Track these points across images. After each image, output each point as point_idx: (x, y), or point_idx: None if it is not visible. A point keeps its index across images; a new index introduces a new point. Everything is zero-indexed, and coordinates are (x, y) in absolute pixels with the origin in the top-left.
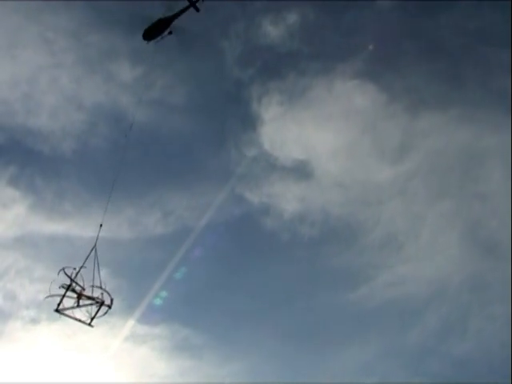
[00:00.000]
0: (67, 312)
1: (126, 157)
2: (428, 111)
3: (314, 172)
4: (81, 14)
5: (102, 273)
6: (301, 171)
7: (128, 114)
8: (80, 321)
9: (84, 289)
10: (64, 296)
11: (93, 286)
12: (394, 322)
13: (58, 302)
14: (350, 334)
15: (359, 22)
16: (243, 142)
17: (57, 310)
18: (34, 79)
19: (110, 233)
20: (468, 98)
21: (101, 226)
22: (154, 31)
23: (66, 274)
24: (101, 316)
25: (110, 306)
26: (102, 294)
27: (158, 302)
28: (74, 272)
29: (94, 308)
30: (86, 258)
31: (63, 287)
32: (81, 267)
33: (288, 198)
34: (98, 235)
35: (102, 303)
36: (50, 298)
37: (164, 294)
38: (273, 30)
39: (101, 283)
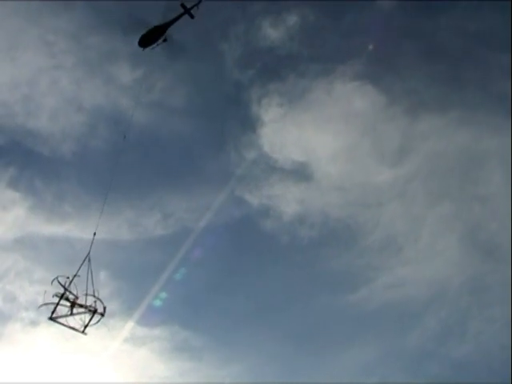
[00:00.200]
0: (61, 320)
1: (126, 159)
2: (428, 113)
3: (314, 174)
4: (81, 17)
5: (101, 275)
6: (300, 173)
7: (128, 116)
8: (73, 329)
9: (77, 297)
10: (58, 304)
11: (86, 295)
12: (393, 324)
13: (52, 309)
14: (350, 335)
15: (359, 23)
16: (243, 143)
17: (51, 318)
18: (34, 81)
19: (109, 234)
20: (468, 100)
21: (94, 234)
22: (149, 38)
23: (59, 283)
24: (94, 324)
25: (102, 314)
26: (95, 301)
27: (157, 303)
28: (68, 281)
29: (88, 316)
30: (80, 266)
31: (57, 296)
32: (74, 276)
33: (288, 200)
34: (91, 244)
35: (94, 311)
36: (46, 300)
37: (164, 295)
38: (272, 32)
39: (94, 291)
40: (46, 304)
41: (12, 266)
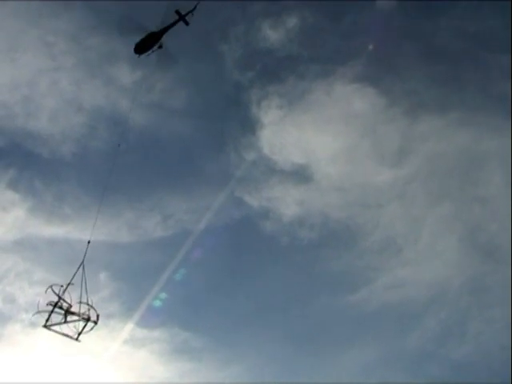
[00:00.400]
0: (55, 327)
1: (126, 160)
2: (427, 114)
3: (314, 175)
4: (81, 18)
5: (101, 276)
6: (300, 175)
7: (128, 118)
8: (67, 336)
9: (71, 305)
10: (51, 313)
11: (80, 303)
12: (393, 325)
13: (46, 317)
14: (350, 336)
15: (359, 24)
16: (242, 145)
17: (45, 326)
18: (34, 82)
19: (109, 236)
20: (468, 101)
21: (89, 242)
22: (144, 45)
23: (53, 292)
24: (87, 331)
25: (95, 322)
26: (88, 309)
27: (157, 304)
28: (62, 289)
29: (82, 323)
30: (74, 274)
31: (50, 304)
32: (68, 284)
33: (287, 201)
34: (85, 252)
35: (88, 319)
36: (40, 308)
37: (163, 296)
38: (272, 34)
39: (87, 299)
40: (39, 312)
41: (12, 267)
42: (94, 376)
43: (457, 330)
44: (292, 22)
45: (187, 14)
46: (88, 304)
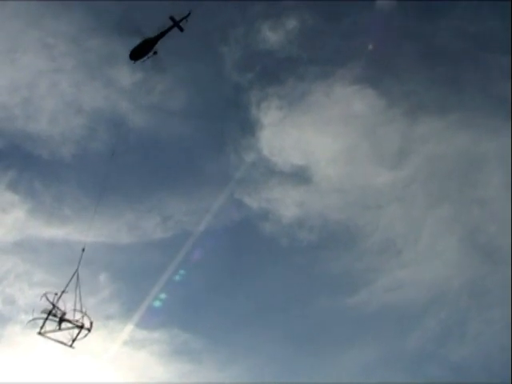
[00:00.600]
0: (49, 335)
1: (126, 161)
2: (427, 116)
3: (313, 177)
4: (81, 19)
5: (101, 277)
6: (300, 176)
7: (127, 119)
8: (61, 343)
9: (65, 313)
10: (46, 320)
11: (74, 310)
12: (393, 326)
13: (40, 325)
14: (349, 337)
15: (358, 25)
16: (242, 146)
17: (39, 333)
18: (34, 84)
19: (109, 237)
20: (467, 102)
21: (83, 250)
22: (139, 52)
23: (47, 300)
24: (81, 338)
25: (89, 330)
26: (82, 316)
27: (157, 304)
28: (56, 297)
29: (76, 330)
30: (69, 282)
31: (45, 312)
32: (62, 292)
33: (287, 202)
34: (80, 260)
35: (81, 327)
36: (35, 315)
37: (163, 298)
38: (272, 35)
39: (81, 307)
40: (34, 319)
41: (12, 268)
42: (93, 377)
43: (456, 330)
44: (291, 23)
45: (181, 21)
46: (82, 311)
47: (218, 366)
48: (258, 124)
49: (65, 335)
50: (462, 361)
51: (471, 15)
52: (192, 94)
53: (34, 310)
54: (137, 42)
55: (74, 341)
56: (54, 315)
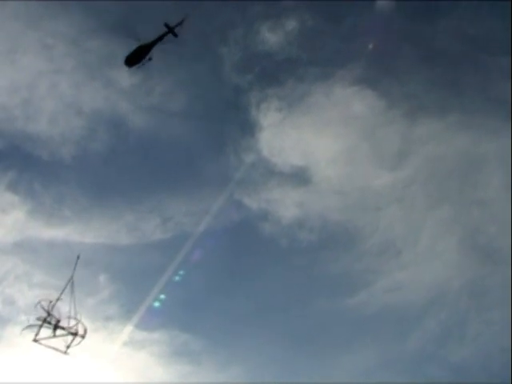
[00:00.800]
0: (44, 341)
1: (126, 162)
2: (427, 117)
3: (313, 178)
4: (80, 20)
5: (101, 278)
6: (299, 177)
7: (127, 120)
8: (56, 349)
9: (59, 320)
10: (41, 327)
11: (69, 317)
12: (392, 328)
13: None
14: (349, 339)
15: (358, 26)
16: (242, 147)
17: (35, 340)
18: (34, 85)
19: (108, 239)
20: (467, 104)
21: (78, 257)
22: (134, 58)
23: (42, 307)
24: (76, 345)
25: (83, 336)
26: (77, 323)
27: (156, 305)
28: (51, 304)
29: (70, 337)
30: (64, 289)
31: (39, 320)
32: (57, 300)
33: (287, 203)
34: (74, 267)
35: (76, 334)
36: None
37: (163, 299)
38: (271, 37)
39: (76, 314)
40: (29, 326)
41: (11, 269)
42: (93, 378)
43: (456, 331)
44: (291, 24)
45: (175, 27)
46: (76, 318)
47: (217, 367)
48: (258, 125)
49: (60, 341)
50: (462, 362)
51: (471, 16)
52: (192, 96)
53: (28, 318)
54: (133, 47)
55: (68, 347)
56: (49, 322)
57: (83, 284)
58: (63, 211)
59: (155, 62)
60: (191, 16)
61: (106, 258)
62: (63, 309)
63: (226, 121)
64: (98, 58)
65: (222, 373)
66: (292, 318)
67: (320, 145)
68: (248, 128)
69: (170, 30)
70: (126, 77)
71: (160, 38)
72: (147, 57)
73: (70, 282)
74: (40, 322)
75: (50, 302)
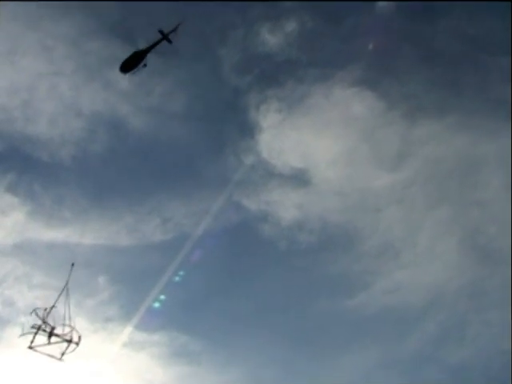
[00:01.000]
0: (40, 348)
1: (126, 164)
2: (426, 118)
3: (313, 179)
4: (80, 22)
5: (100, 279)
6: (299, 178)
7: (126, 121)
8: (51, 356)
9: (54, 328)
10: (36, 335)
11: (64, 325)
12: (391, 329)
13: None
14: (348, 340)
15: (358, 27)
16: (241, 149)
17: (30, 347)
18: (34, 86)
19: (108, 240)
20: (466, 104)
21: (72, 265)
22: (129, 64)
23: (37, 315)
24: (70, 352)
25: (77, 344)
26: (71, 330)
27: (156, 308)
28: (46, 312)
29: (65, 344)
30: (58, 297)
31: (34, 328)
32: (51, 308)
33: (286, 205)
34: (69, 275)
35: (70, 341)
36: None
37: (162, 300)
38: (271, 38)
39: (70, 321)
40: (24, 334)
41: (11, 270)
42: (93, 378)
43: (455, 332)
44: (291, 25)
45: (170, 33)
46: (70, 326)
47: (217, 368)
48: (257, 126)
49: (55, 348)
50: (461, 363)
51: (470, 17)
52: (191, 97)
53: (23, 327)
54: (129, 52)
55: (63, 354)
56: (44, 330)
57: (83, 285)
58: (63, 212)
59: (154, 63)
60: (185, 22)
61: (105, 260)
62: (61, 311)
63: (225, 122)
64: (97, 60)
65: (222, 374)
66: (291, 319)
67: (320, 146)
68: (247, 129)
69: (165, 36)
70: (125, 78)
71: (154, 45)
72: (142, 63)
73: (65, 288)
74: (35, 330)
75: (45, 309)
